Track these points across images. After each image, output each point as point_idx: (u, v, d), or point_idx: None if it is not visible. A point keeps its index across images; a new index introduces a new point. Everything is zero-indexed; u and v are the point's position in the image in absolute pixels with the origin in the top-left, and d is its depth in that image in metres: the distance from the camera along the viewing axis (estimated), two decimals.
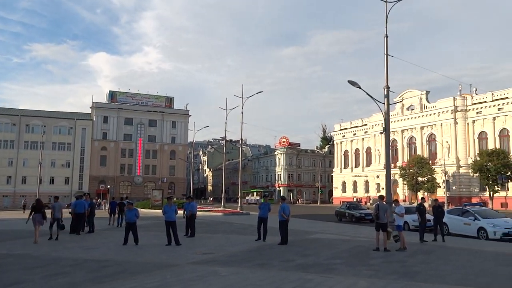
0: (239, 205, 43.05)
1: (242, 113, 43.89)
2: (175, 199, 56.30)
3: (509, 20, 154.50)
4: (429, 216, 18.34)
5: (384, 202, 15.09)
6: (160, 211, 34.66)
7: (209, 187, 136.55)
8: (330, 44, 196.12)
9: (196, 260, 12.19)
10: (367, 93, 21.42)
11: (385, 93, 20.32)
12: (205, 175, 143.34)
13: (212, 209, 43.39)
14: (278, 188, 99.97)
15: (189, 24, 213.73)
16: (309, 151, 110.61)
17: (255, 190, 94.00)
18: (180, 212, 19.61)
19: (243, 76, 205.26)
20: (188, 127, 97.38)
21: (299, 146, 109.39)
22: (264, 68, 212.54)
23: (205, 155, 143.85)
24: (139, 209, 39.01)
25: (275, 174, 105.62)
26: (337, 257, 12.67)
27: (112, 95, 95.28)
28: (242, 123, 44.40)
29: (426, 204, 20.37)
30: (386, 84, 20.28)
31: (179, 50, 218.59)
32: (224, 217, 33.92)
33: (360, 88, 21.54)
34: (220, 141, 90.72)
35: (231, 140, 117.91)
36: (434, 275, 10.02)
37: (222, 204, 46.98)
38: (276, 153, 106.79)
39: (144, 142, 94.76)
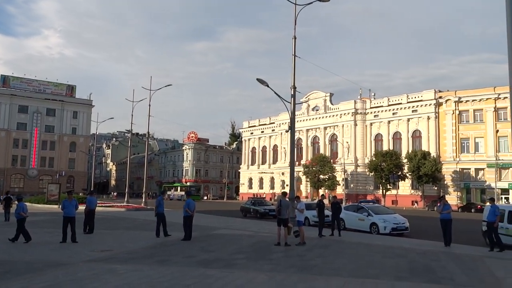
0: (143, 200, 41.88)
1: (149, 105, 42.79)
2: (81, 194, 53.29)
3: (404, 32, 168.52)
4: (327, 212, 19.33)
5: (286, 199, 15.57)
6: (56, 206, 32.40)
7: (113, 182, 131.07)
8: (242, 42, 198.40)
9: (93, 258, 11.61)
10: (275, 92, 22.06)
11: (292, 93, 21.03)
12: (108, 169, 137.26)
13: (114, 204, 41.64)
14: (185, 184, 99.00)
15: (96, 10, 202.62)
16: (217, 147, 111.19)
17: (179, 185, 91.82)
18: (82, 207, 18.55)
19: (152, 68, 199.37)
20: (91, 118, 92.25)
21: (208, 141, 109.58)
22: (174, 62, 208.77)
23: (109, 148, 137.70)
24: (33, 204, 36.53)
25: (183, 169, 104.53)
26: (240, 252, 12.83)
27: (4, 79, 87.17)
28: (149, 116, 43.36)
29: (325, 201, 21.43)
30: (293, 84, 20.99)
31: (84, 36, 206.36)
32: (127, 212, 32.86)
33: (268, 86, 22.13)
34: (126, 134, 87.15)
35: (137, 133, 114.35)
36: (330, 268, 10.60)
37: (126, 200, 45.34)
38: (184, 148, 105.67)
39: (40, 132, 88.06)
